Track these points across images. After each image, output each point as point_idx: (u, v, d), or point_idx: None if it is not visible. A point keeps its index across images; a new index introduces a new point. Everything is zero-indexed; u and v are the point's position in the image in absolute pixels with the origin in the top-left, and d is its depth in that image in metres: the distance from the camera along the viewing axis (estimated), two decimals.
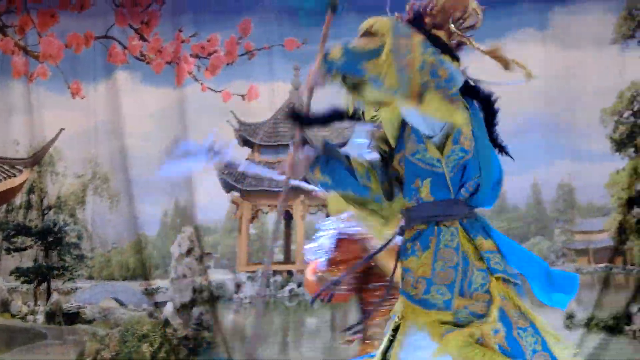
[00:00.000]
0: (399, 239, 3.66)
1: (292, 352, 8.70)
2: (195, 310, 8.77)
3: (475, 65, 3.63)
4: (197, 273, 8.82)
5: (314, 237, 4.47)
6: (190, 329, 8.73)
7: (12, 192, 9.07)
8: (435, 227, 3.55)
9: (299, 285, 8.78)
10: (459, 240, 3.53)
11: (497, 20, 8.72)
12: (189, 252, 8.78)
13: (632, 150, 8.49)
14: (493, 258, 3.51)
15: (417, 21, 3.57)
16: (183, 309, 8.78)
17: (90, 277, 9.08)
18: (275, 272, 8.84)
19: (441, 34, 3.56)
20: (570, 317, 8.14)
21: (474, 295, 3.43)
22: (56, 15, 9.01)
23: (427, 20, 3.57)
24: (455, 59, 3.51)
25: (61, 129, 9.07)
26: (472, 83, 3.52)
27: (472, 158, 3.51)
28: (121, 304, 8.91)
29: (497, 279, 3.47)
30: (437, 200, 3.56)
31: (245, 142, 8.96)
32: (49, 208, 9.14)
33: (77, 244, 9.08)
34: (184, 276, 8.77)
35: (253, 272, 8.82)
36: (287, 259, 8.93)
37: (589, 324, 8.16)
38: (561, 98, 8.40)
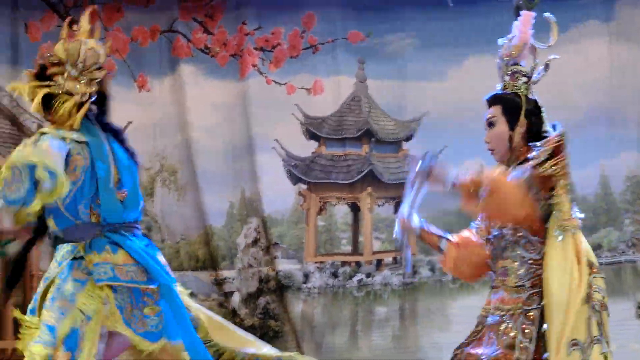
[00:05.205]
0: None
1: (361, 341, 8.84)
2: (262, 300, 8.90)
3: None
4: (263, 263, 8.94)
5: None
6: (257, 318, 8.87)
7: None
8: None
9: (367, 275, 8.92)
10: None
11: (562, 13, 8.75)
12: (255, 242, 8.91)
13: None
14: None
15: None
16: (249, 298, 8.92)
17: None
18: (343, 263, 8.97)
19: None
20: None
21: None
22: (122, 9, 9.12)
23: None
24: None
25: (129, 122, 9.15)
26: None
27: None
28: (192, 294, 9.00)
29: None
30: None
31: (311, 136, 9.05)
32: None
33: (148, 235, 9.16)
34: (250, 266, 8.90)
35: (321, 262, 8.95)
36: (355, 251, 9.04)
37: None
38: (627, 90, 8.44)
